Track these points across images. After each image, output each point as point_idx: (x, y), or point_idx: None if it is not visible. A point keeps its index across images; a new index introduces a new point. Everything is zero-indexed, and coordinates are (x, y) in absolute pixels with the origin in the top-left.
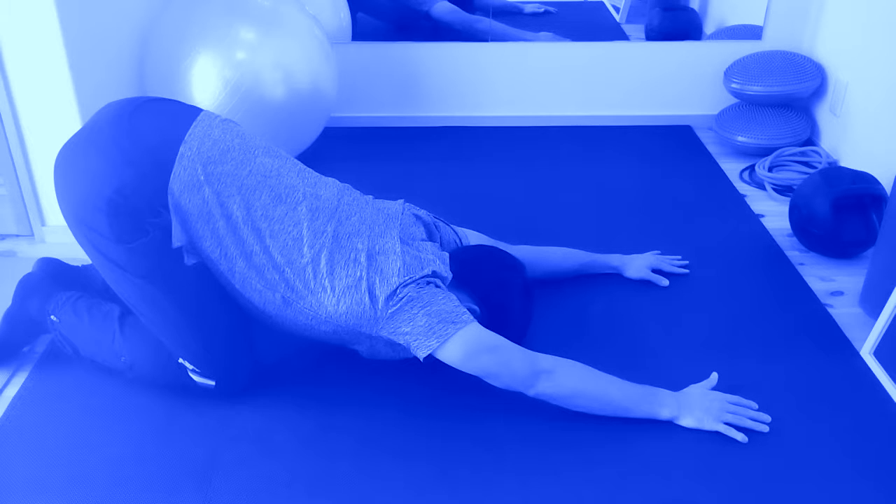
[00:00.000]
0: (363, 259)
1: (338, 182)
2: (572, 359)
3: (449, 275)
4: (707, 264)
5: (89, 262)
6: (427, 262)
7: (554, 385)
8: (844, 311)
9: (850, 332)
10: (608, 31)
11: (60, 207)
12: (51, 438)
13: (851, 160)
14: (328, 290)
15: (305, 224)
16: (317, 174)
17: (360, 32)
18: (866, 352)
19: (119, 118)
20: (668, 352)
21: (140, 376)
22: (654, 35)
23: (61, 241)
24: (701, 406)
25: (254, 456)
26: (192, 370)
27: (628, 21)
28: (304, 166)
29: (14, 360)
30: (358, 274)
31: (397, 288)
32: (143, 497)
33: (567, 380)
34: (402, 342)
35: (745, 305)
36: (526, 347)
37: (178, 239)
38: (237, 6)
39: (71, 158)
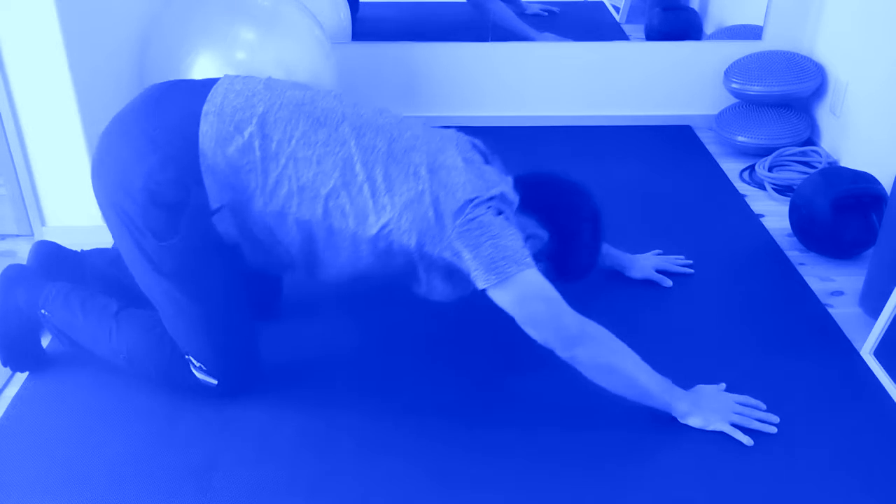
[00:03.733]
0: (424, 172)
1: (379, 107)
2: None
3: (515, 198)
4: (707, 264)
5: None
6: (492, 182)
7: (592, 353)
8: (844, 311)
9: (850, 332)
10: (608, 30)
11: (96, 192)
12: (51, 438)
13: (851, 160)
14: (388, 208)
15: (353, 142)
16: (355, 99)
17: (360, 32)
18: (866, 352)
19: (146, 104)
20: (669, 351)
21: (140, 372)
22: (654, 35)
23: (61, 242)
24: (710, 406)
25: (254, 456)
26: (199, 367)
27: (628, 21)
28: (341, 92)
29: (27, 358)
30: (420, 187)
31: (465, 205)
32: (143, 497)
33: (606, 352)
34: (462, 267)
35: (745, 305)
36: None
37: (215, 200)
38: (237, 6)
39: (105, 147)
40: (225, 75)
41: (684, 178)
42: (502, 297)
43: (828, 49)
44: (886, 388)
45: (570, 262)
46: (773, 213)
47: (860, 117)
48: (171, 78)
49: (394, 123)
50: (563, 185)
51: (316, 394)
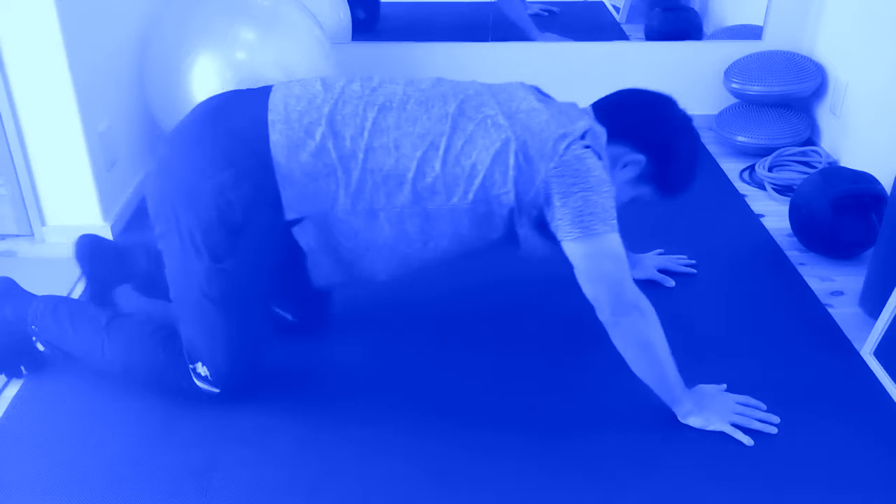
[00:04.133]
0: (502, 120)
1: (432, 77)
2: (570, 356)
3: (602, 131)
4: (707, 264)
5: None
6: (575, 117)
7: (637, 326)
8: (844, 311)
9: (850, 332)
10: (608, 30)
11: (154, 197)
12: (50, 438)
13: (851, 160)
14: (477, 167)
15: (424, 117)
16: (410, 76)
17: (360, 32)
18: (866, 352)
19: (212, 114)
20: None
21: (135, 380)
22: (654, 35)
23: (61, 241)
24: (710, 406)
25: (253, 457)
26: (204, 377)
27: (628, 21)
28: (394, 76)
29: (24, 361)
30: (504, 136)
31: (556, 144)
32: (142, 497)
33: (648, 329)
34: (547, 215)
35: (745, 305)
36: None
37: (294, 211)
38: (237, 6)
39: (170, 153)
40: (277, 83)
41: None
42: (576, 251)
43: (828, 49)
44: (886, 388)
45: (672, 176)
46: (773, 213)
47: (860, 117)
48: (171, 78)
49: (456, 87)
50: (644, 101)
51: (315, 395)
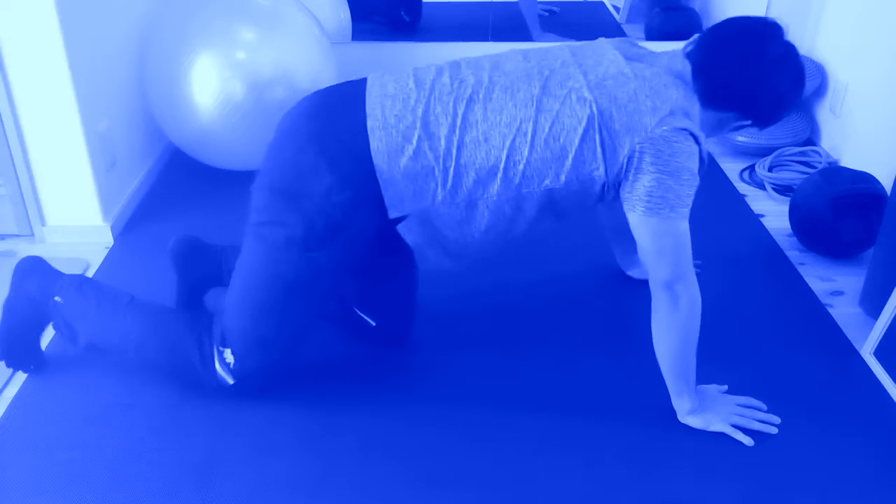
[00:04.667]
0: (587, 94)
1: (517, 49)
2: (571, 356)
3: (694, 99)
4: (707, 264)
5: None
6: (665, 87)
7: (681, 301)
8: (844, 311)
9: (850, 332)
10: (608, 30)
11: (262, 174)
12: (51, 438)
13: (851, 160)
14: (566, 147)
15: (510, 105)
16: (492, 56)
17: (360, 32)
18: (866, 352)
19: (317, 113)
20: None
21: (145, 359)
22: (654, 35)
23: (61, 241)
24: (711, 407)
25: (254, 456)
26: (227, 364)
27: (628, 21)
28: (478, 57)
29: (27, 357)
30: (588, 112)
31: (642, 118)
32: (143, 497)
33: (691, 309)
34: (623, 186)
35: (746, 305)
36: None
37: (397, 210)
38: (237, 6)
39: (281, 141)
40: (371, 75)
41: None
42: (641, 228)
43: (828, 49)
44: (886, 388)
45: (772, 116)
46: (773, 213)
47: (860, 117)
48: (171, 78)
49: (542, 61)
50: (741, 55)
51: (315, 393)
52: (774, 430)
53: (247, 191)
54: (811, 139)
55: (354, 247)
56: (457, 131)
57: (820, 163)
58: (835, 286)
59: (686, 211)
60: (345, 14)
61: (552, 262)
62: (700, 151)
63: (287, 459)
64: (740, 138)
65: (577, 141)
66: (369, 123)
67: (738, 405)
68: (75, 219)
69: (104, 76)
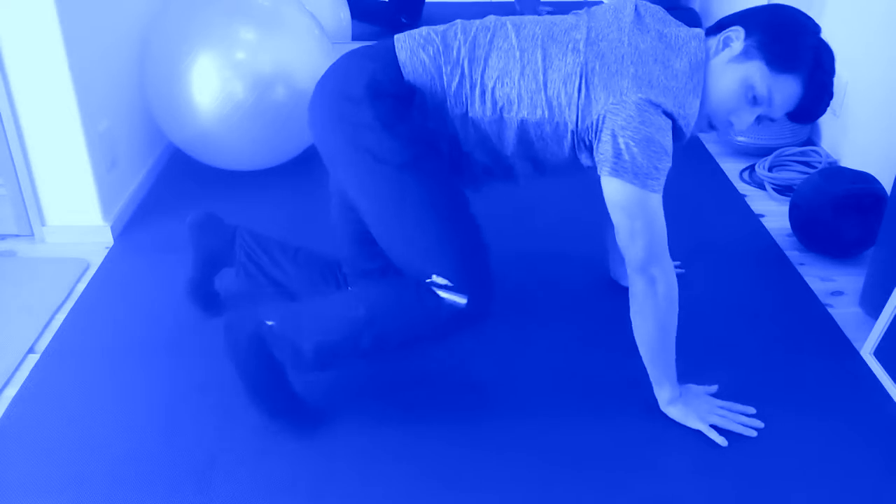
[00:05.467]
0: (582, 46)
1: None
2: (570, 355)
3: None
4: (707, 264)
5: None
6: (650, 71)
7: (658, 286)
8: (844, 311)
9: (850, 332)
10: None
11: (314, 128)
12: (51, 438)
13: (851, 160)
14: (548, 85)
15: (513, 37)
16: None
17: (360, 33)
18: (866, 352)
19: (350, 53)
20: None
21: (383, 325)
22: None
23: (61, 241)
24: (692, 403)
25: (254, 456)
26: (445, 286)
27: None
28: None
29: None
30: (578, 60)
31: (622, 83)
32: (143, 497)
33: (668, 293)
34: (595, 148)
35: (745, 305)
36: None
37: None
38: (237, 6)
39: (322, 86)
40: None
41: (684, 177)
42: (615, 198)
43: None
44: (886, 388)
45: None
46: (773, 213)
47: (860, 117)
48: (171, 78)
49: (556, 17)
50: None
51: (315, 393)
52: (753, 433)
53: (246, 191)
54: (811, 139)
55: (434, 120)
56: (465, 47)
57: (820, 163)
58: (835, 286)
59: (656, 185)
60: (345, 14)
61: (549, 263)
62: (676, 129)
63: (287, 459)
64: (740, 138)
65: (558, 81)
66: (396, 37)
67: (720, 407)
68: (75, 219)
69: (104, 76)
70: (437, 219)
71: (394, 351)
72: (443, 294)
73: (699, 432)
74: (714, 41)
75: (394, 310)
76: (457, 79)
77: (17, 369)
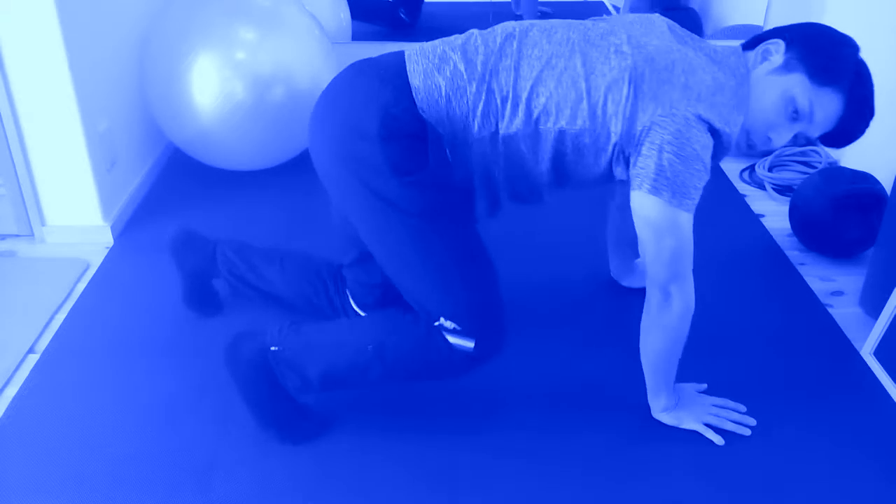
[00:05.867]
0: (627, 48)
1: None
2: (569, 354)
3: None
4: (707, 264)
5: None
6: (700, 81)
7: (674, 303)
8: (844, 311)
9: (850, 332)
10: None
11: (319, 154)
12: (51, 438)
13: (851, 160)
14: (591, 92)
15: (544, 42)
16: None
17: (360, 32)
18: (866, 352)
19: (359, 66)
20: None
21: (393, 361)
22: None
23: (61, 242)
24: (685, 405)
25: (254, 456)
26: (453, 329)
27: None
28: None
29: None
30: (625, 63)
31: (672, 94)
32: (143, 497)
33: (683, 312)
34: (632, 160)
35: (746, 305)
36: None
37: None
38: (237, 6)
39: (325, 106)
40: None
41: None
42: (646, 213)
43: None
44: (886, 388)
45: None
46: (773, 213)
47: None
48: (171, 78)
49: (585, 21)
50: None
51: (314, 394)
52: (747, 432)
53: (246, 191)
54: (811, 139)
55: (448, 159)
56: (491, 59)
57: (820, 163)
58: (835, 286)
59: (691, 204)
60: (345, 14)
61: (546, 266)
62: (718, 146)
63: (287, 459)
64: None
65: (602, 88)
66: (407, 52)
67: (714, 405)
68: (75, 219)
69: (104, 76)
70: (447, 264)
71: (402, 383)
72: (451, 339)
73: (697, 434)
74: (752, 55)
75: (403, 348)
76: (483, 96)
77: (17, 369)
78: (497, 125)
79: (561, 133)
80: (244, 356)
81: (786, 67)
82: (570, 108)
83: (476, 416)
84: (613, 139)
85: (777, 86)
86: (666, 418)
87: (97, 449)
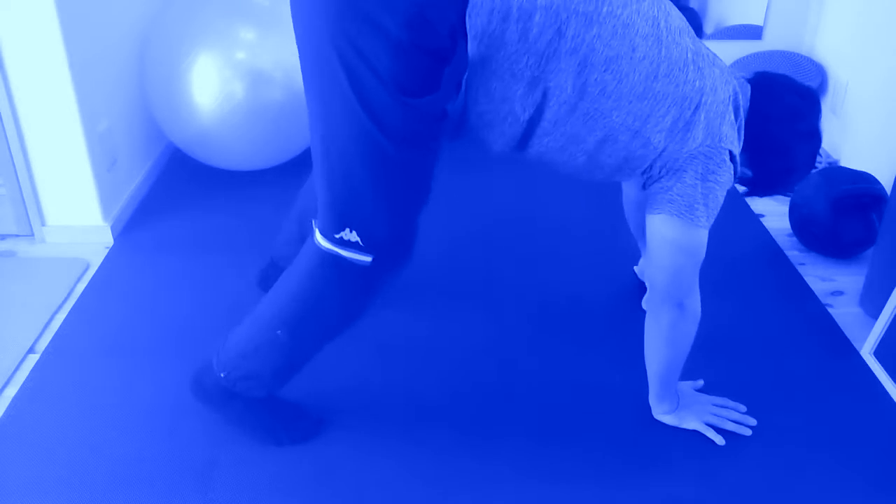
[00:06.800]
0: (729, 76)
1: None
2: (569, 354)
3: (745, 104)
4: (707, 264)
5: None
6: (723, 136)
7: (687, 315)
8: (844, 311)
9: (850, 332)
10: None
11: (306, 23)
12: (51, 438)
13: (851, 160)
14: (662, 96)
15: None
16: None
17: None
18: (866, 352)
19: None
20: None
21: (299, 319)
22: None
23: (61, 241)
24: (686, 405)
25: (254, 456)
26: (355, 243)
27: None
28: None
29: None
30: (728, 88)
31: (721, 124)
32: (143, 497)
33: (693, 324)
34: (657, 186)
35: (746, 305)
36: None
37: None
38: (237, 6)
39: None
40: None
41: None
42: (660, 231)
43: (828, 49)
44: (886, 388)
45: (774, 185)
46: (773, 213)
47: (860, 117)
48: (171, 78)
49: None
50: (782, 111)
51: (314, 394)
52: (748, 432)
53: (246, 191)
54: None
55: (448, 94)
56: (574, 2)
57: (820, 163)
58: (835, 286)
59: (708, 222)
60: None
61: (549, 264)
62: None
63: (287, 459)
64: None
65: (670, 98)
66: None
67: (714, 405)
68: (75, 219)
69: (104, 76)
70: (391, 187)
71: (330, 332)
72: (347, 253)
73: (697, 434)
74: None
75: (298, 294)
76: (551, 32)
77: (17, 369)
78: (545, 73)
79: (611, 126)
80: (209, 387)
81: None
82: (628, 102)
83: (476, 416)
84: (653, 154)
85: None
86: (667, 419)
87: (97, 449)
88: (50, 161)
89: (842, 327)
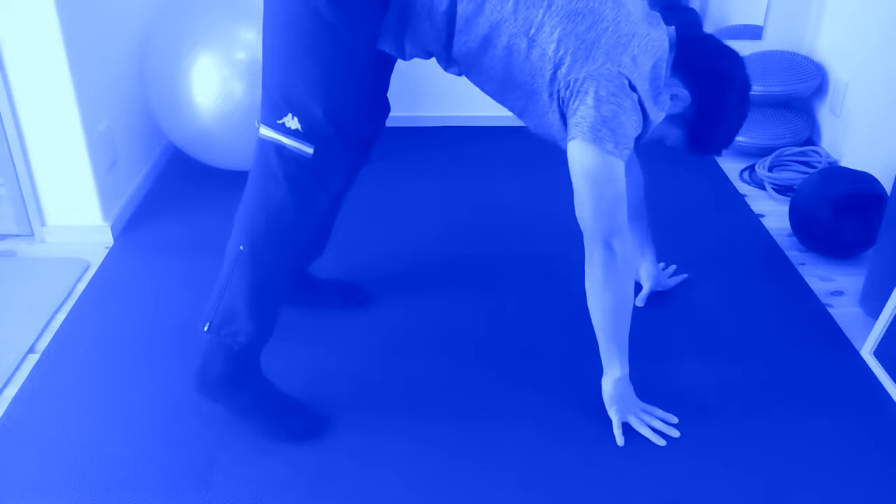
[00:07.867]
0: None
1: None
2: (569, 353)
3: (671, 55)
4: (707, 264)
5: None
6: (623, 64)
7: (617, 258)
8: (844, 311)
9: (850, 332)
10: None
11: None
12: (51, 438)
13: (851, 160)
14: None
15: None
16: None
17: None
18: (866, 352)
19: None
20: (668, 351)
21: (254, 229)
22: None
23: (61, 241)
24: (621, 398)
25: (253, 456)
26: (294, 131)
27: None
28: None
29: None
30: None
31: (613, 51)
32: (143, 497)
33: (627, 265)
34: (572, 106)
35: (745, 305)
36: (527, 332)
37: None
38: (237, 6)
39: None
40: None
41: (684, 177)
42: (580, 161)
43: (828, 49)
44: (886, 388)
45: (707, 131)
46: (773, 213)
47: (860, 117)
48: (171, 78)
49: None
50: (717, 49)
51: (315, 393)
52: (662, 442)
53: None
54: (811, 139)
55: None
56: None
57: (820, 163)
58: (835, 286)
59: (626, 154)
60: None
61: (548, 265)
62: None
63: (287, 459)
64: (740, 138)
65: (569, 11)
66: None
67: (643, 410)
68: (75, 219)
69: (104, 76)
70: (329, 67)
71: (286, 240)
72: (288, 141)
73: (698, 432)
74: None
75: (248, 200)
76: None
77: (17, 369)
78: None
79: (508, 26)
80: (211, 381)
81: (670, 122)
82: (528, 8)
83: (477, 415)
84: (550, 63)
85: (664, 124)
86: (608, 391)
87: (97, 449)
88: (50, 161)
89: (842, 327)
